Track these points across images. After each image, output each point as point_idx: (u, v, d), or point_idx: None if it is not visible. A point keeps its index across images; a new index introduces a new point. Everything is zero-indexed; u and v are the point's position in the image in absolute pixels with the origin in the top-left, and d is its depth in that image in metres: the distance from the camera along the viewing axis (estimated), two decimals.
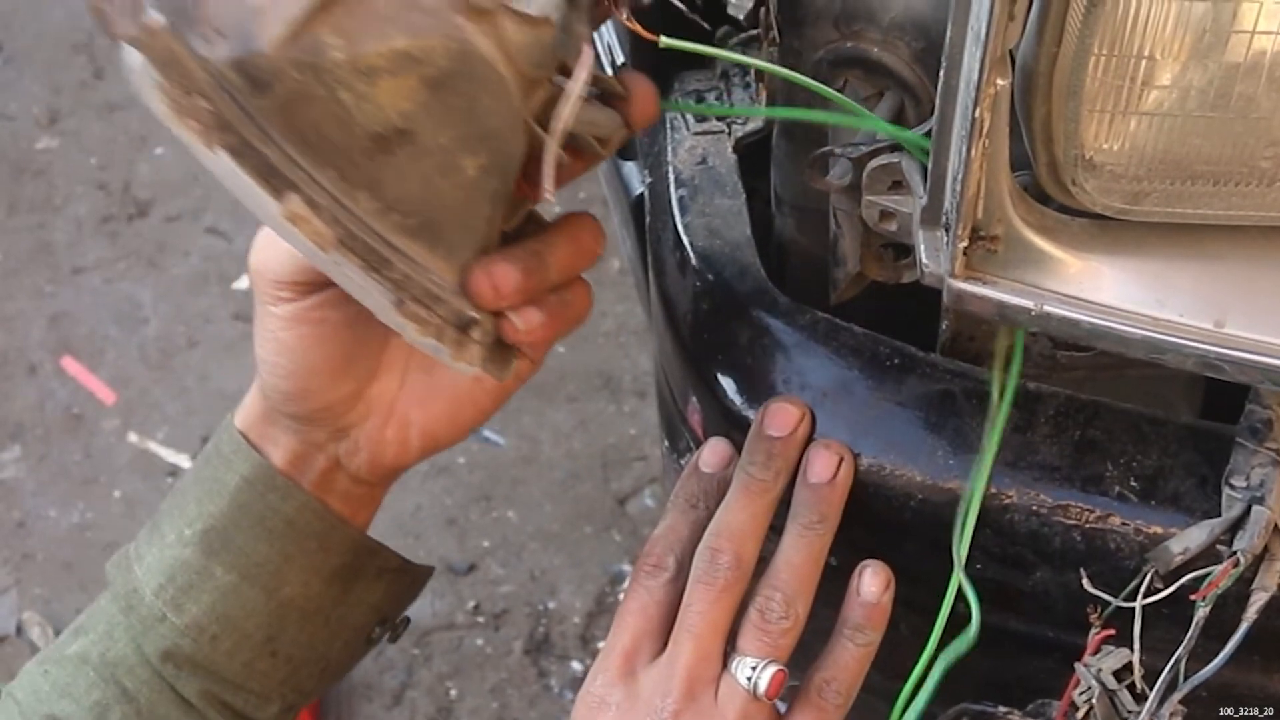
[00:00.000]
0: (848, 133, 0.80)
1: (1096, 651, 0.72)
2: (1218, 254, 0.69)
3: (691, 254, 0.87)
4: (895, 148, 0.73)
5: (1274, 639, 0.73)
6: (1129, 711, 0.70)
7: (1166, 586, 0.71)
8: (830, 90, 0.72)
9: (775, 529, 0.76)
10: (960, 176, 0.64)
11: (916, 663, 0.75)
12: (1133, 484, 0.75)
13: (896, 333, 0.82)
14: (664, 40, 0.66)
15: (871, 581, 0.75)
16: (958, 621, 0.74)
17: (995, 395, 0.75)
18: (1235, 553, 0.70)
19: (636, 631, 0.75)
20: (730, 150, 0.93)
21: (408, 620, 0.87)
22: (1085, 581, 0.73)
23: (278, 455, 0.78)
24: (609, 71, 0.84)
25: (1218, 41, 0.61)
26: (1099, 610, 0.73)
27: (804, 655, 0.75)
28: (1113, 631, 0.73)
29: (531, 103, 0.61)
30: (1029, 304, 0.67)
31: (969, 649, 0.73)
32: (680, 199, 0.90)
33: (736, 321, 0.84)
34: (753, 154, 0.94)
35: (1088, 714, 0.72)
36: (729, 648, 0.74)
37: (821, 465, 0.76)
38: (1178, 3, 0.60)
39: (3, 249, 2.29)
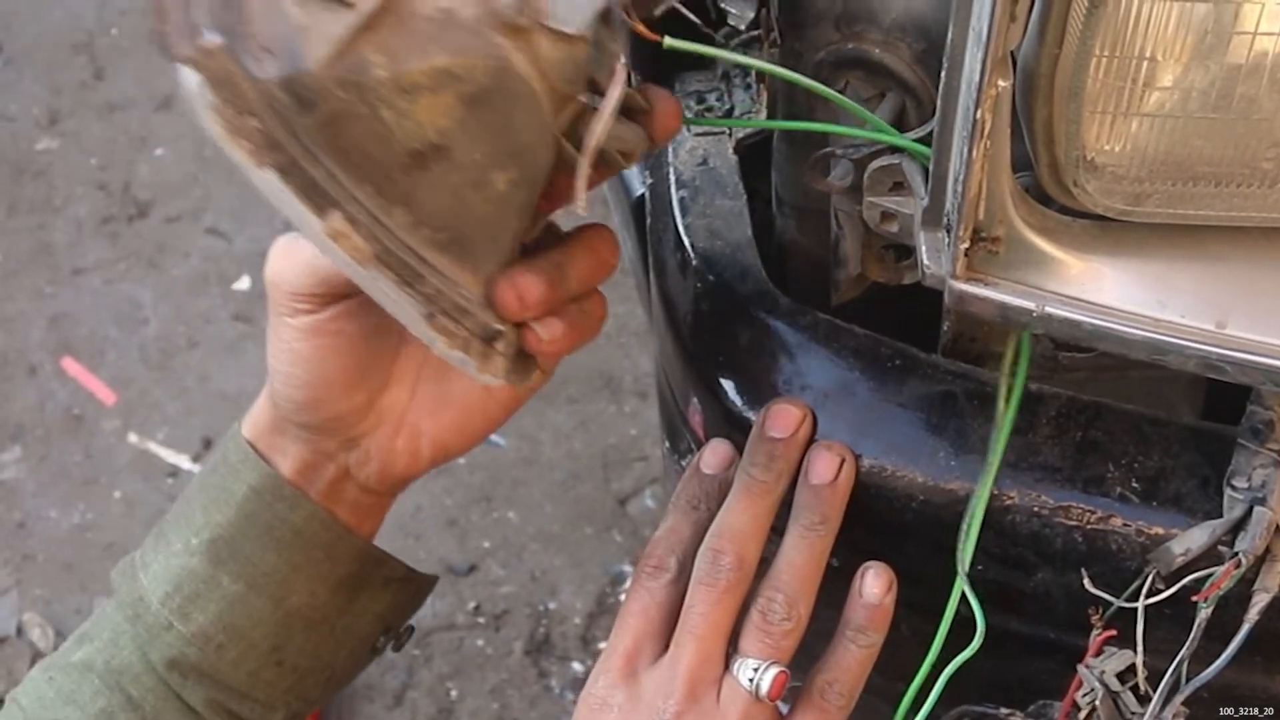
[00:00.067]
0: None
1: (1099, 653, 0.72)
2: (1219, 255, 0.69)
3: (692, 255, 0.87)
4: (896, 149, 0.73)
5: (1275, 640, 0.73)
6: (1132, 713, 0.70)
7: (1168, 587, 0.71)
8: (831, 91, 0.72)
9: (777, 530, 0.76)
10: (962, 178, 0.64)
11: (918, 665, 0.75)
12: (1134, 485, 0.75)
13: (898, 334, 0.82)
14: (668, 41, 0.66)
15: (874, 583, 0.75)
16: (960, 623, 0.74)
17: (1001, 405, 0.75)
18: (1237, 554, 0.70)
19: (638, 633, 0.75)
20: (731, 151, 0.93)
21: (412, 629, 0.87)
22: (1087, 582, 0.73)
23: (287, 464, 0.78)
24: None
25: (1219, 43, 0.60)
26: (1100, 611, 0.73)
27: (806, 656, 0.75)
28: (1114, 632, 0.73)
29: (561, 118, 0.62)
30: (1030, 305, 0.67)
31: (972, 655, 0.73)
32: (681, 200, 0.90)
33: (738, 322, 0.84)
34: (754, 155, 0.94)
35: (1090, 715, 0.72)
36: (731, 649, 0.74)
37: (823, 466, 0.76)
38: (1179, 4, 0.60)
39: (3, 250, 2.29)
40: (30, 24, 2.60)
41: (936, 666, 0.74)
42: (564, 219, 0.72)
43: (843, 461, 0.76)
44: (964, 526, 0.75)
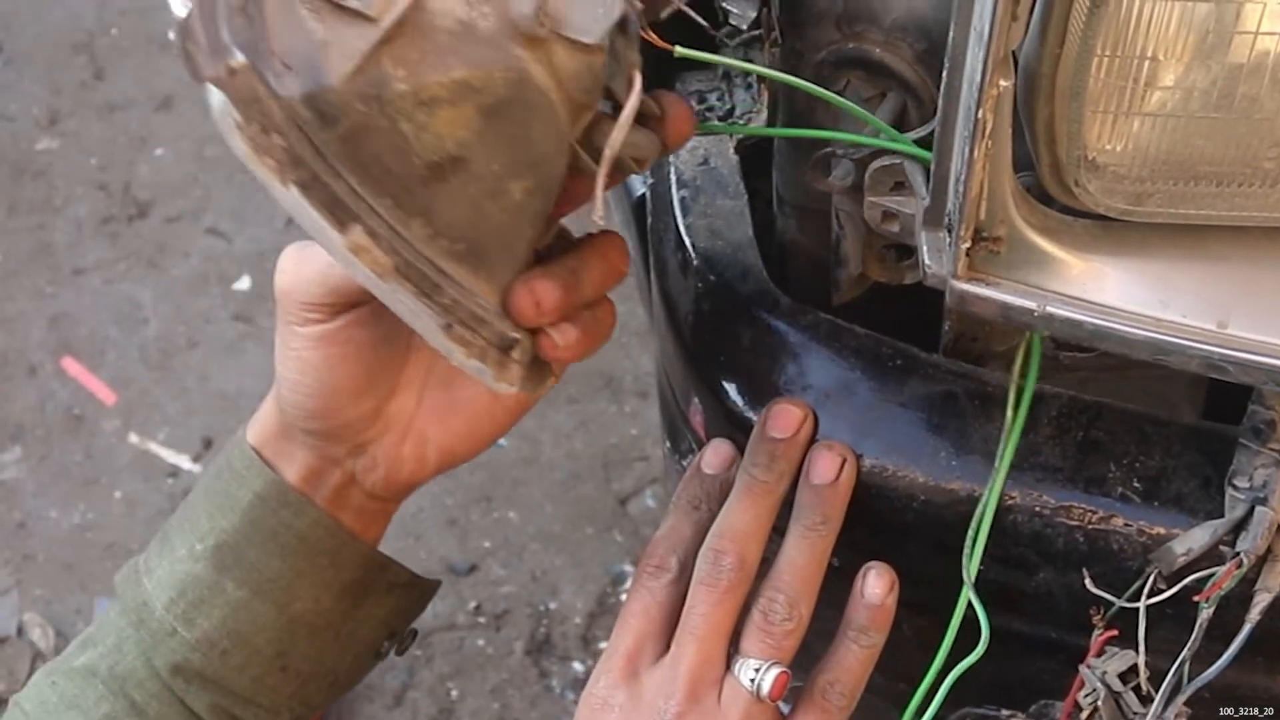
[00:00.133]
0: (849, 131, 0.79)
1: (1100, 653, 0.72)
2: (1221, 255, 0.69)
3: (693, 255, 0.87)
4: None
5: (1277, 640, 0.73)
6: (1134, 713, 0.70)
7: (1170, 588, 0.71)
8: (832, 95, 0.72)
9: (778, 530, 0.76)
10: (963, 177, 0.64)
11: (919, 665, 0.75)
12: (1136, 485, 0.75)
13: (899, 334, 0.81)
14: (679, 50, 0.67)
15: (875, 583, 0.75)
16: (963, 625, 0.74)
17: (1010, 414, 0.75)
18: (1238, 554, 0.70)
19: (639, 633, 0.75)
20: (732, 151, 0.93)
21: (415, 633, 0.87)
22: (1088, 582, 0.73)
23: (293, 470, 0.78)
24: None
25: (1221, 42, 0.60)
26: (1102, 611, 0.73)
27: (807, 657, 0.75)
28: (1116, 632, 0.72)
29: (577, 127, 0.63)
30: (1032, 305, 0.67)
31: (976, 661, 0.73)
32: (682, 200, 0.90)
33: (739, 322, 0.84)
34: (755, 155, 0.94)
35: (1092, 715, 0.72)
36: (732, 649, 0.74)
37: (824, 466, 0.76)
38: (1181, 3, 0.60)
39: (3, 250, 2.29)
40: (30, 24, 2.60)
41: (940, 671, 0.74)
42: (574, 223, 0.73)
43: (844, 461, 0.76)
44: (970, 536, 0.75)
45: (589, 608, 1.84)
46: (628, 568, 1.86)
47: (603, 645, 1.53)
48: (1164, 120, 0.63)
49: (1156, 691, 0.71)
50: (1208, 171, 0.65)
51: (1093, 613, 0.73)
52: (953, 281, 0.68)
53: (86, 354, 2.15)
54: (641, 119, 0.66)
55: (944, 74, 0.64)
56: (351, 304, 0.74)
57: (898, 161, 0.73)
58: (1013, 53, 0.62)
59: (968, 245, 0.67)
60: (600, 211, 0.62)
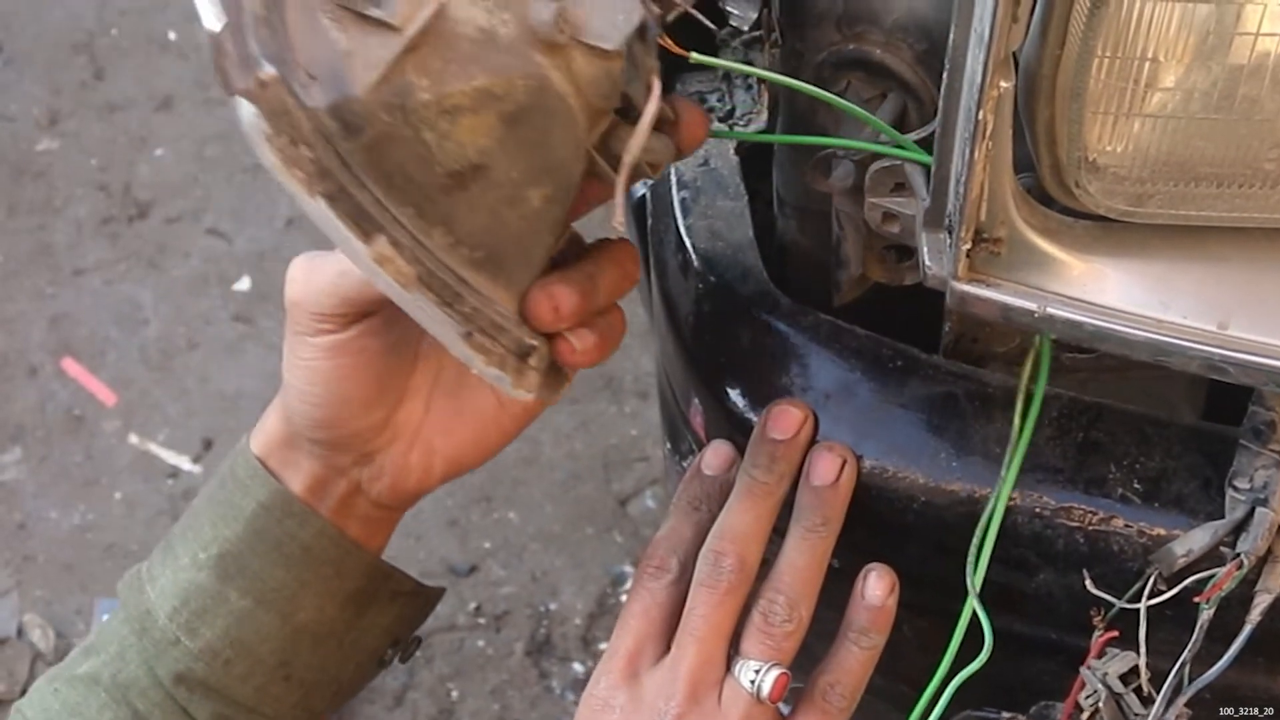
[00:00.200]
0: (851, 134, 0.80)
1: (1101, 654, 0.72)
2: (1221, 256, 0.69)
3: (694, 256, 0.87)
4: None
5: (1277, 640, 0.73)
6: (1135, 714, 0.70)
7: (1170, 589, 0.71)
8: (836, 98, 0.72)
9: (778, 532, 0.76)
10: (963, 179, 0.64)
11: (919, 667, 0.75)
12: (1136, 486, 0.75)
13: (899, 335, 0.81)
14: (694, 56, 0.67)
15: (876, 585, 0.75)
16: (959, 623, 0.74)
17: (1017, 423, 0.75)
18: (1239, 555, 0.70)
19: (639, 634, 0.75)
20: (732, 152, 0.93)
21: (419, 640, 0.87)
22: (1089, 584, 0.73)
23: (299, 480, 0.78)
24: None
25: (1221, 43, 0.60)
26: (1102, 613, 0.73)
27: (807, 658, 0.75)
28: (1116, 633, 0.72)
29: (594, 133, 0.63)
30: (1032, 306, 0.67)
31: (980, 668, 0.73)
32: (682, 201, 0.90)
33: (739, 323, 0.84)
34: (755, 156, 0.94)
35: (1093, 716, 0.72)
36: (732, 651, 0.74)
37: (824, 468, 0.76)
38: (1181, 5, 0.60)
39: (3, 251, 2.29)
40: (30, 24, 2.60)
41: (943, 679, 0.74)
42: (582, 227, 0.73)
43: (844, 463, 0.76)
44: (974, 546, 0.74)
45: (589, 609, 1.84)
46: (628, 568, 1.86)
47: (603, 646, 1.53)
48: (1164, 121, 0.63)
49: (1157, 692, 0.71)
50: (1208, 173, 0.65)
51: (1093, 614, 0.73)
52: (953, 282, 0.68)
53: (87, 355, 2.15)
54: (656, 124, 0.67)
55: (944, 75, 0.64)
56: (364, 313, 0.74)
57: (898, 163, 0.73)
58: (1013, 54, 0.62)
59: (968, 246, 0.67)
60: (620, 218, 0.62)
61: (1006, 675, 0.78)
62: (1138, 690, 0.71)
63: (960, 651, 0.74)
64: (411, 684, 1.78)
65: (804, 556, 0.75)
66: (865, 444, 0.78)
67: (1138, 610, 0.71)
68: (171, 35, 2.55)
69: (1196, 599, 0.70)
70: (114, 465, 2.02)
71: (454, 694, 1.78)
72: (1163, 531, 0.74)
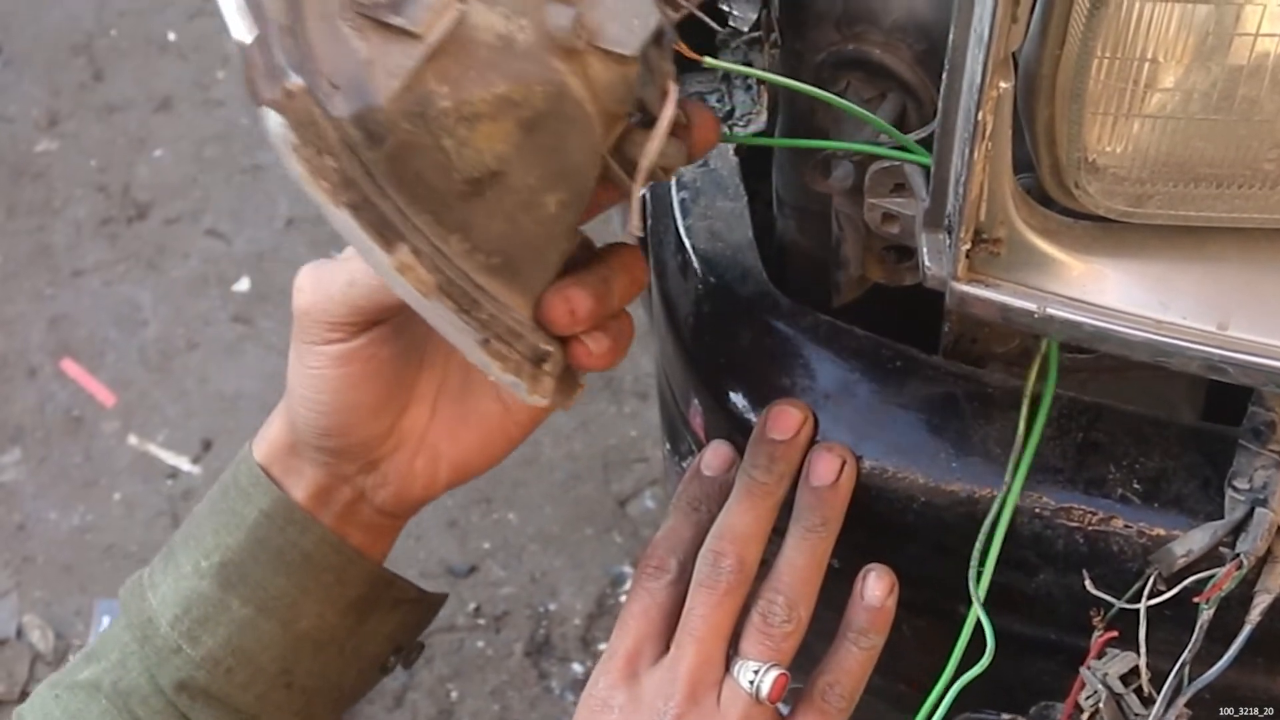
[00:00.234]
0: (851, 134, 0.80)
1: (1101, 654, 0.72)
2: (1221, 256, 0.69)
3: (693, 256, 0.87)
4: (897, 149, 0.73)
5: (1277, 641, 0.73)
6: (1135, 714, 0.70)
7: (1170, 589, 0.71)
8: (837, 98, 0.72)
9: (778, 532, 0.76)
10: (963, 179, 0.64)
11: (919, 668, 0.75)
12: (1135, 486, 0.75)
13: (899, 335, 0.81)
14: (708, 61, 0.67)
15: (875, 585, 0.75)
16: (960, 624, 0.74)
17: (1022, 429, 0.75)
18: (1238, 555, 0.70)
19: (639, 634, 0.75)
20: (732, 153, 0.93)
21: (422, 646, 0.87)
22: (1088, 584, 0.73)
23: (302, 487, 0.78)
24: None
25: (1221, 44, 0.60)
26: (1102, 613, 0.73)
27: (807, 658, 0.75)
28: (1116, 634, 0.72)
29: (609, 138, 0.63)
30: (1032, 307, 0.67)
31: (982, 672, 0.73)
32: (682, 201, 0.90)
33: (738, 324, 0.84)
34: (754, 156, 0.94)
35: (1093, 717, 0.72)
36: (731, 651, 0.74)
37: (824, 468, 0.76)
38: (1181, 5, 0.60)
39: (2, 252, 2.29)
40: (30, 25, 2.60)
41: (946, 683, 0.74)
42: (592, 231, 0.73)
43: (844, 463, 0.76)
44: (976, 553, 0.74)
45: (588, 609, 1.84)
46: (627, 569, 1.86)
47: (602, 646, 1.53)
48: (1164, 122, 0.63)
49: (1158, 693, 0.71)
50: (1208, 173, 0.65)
51: (1093, 614, 0.73)
52: (952, 283, 0.68)
53: (86, 355, 2.15)
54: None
55: (944, 75, 0.64)
56: (373, 321, 0.74)
57: (897, 163, 0.73)
58: (1013, 54, 0.62)
59: (967, 247, 0.67)
60: (636, 223, 0.62)
61: (1006, 675, 0.78)
62: (1138, 690, 0.71)
63: (962, 655, 0.74)
64: (411, 685, 1.78)
65: (803, 557, 0.75)
66: (865, 444, 0.78)
67: (1137, 610, 0.71)
68: (171, 36, 2.55)
69: (1196, 599, 0.70)
70: (113, 466, 2.02)
71: (453, 695, 1.78)
72: (1162, 532, 0.74)
